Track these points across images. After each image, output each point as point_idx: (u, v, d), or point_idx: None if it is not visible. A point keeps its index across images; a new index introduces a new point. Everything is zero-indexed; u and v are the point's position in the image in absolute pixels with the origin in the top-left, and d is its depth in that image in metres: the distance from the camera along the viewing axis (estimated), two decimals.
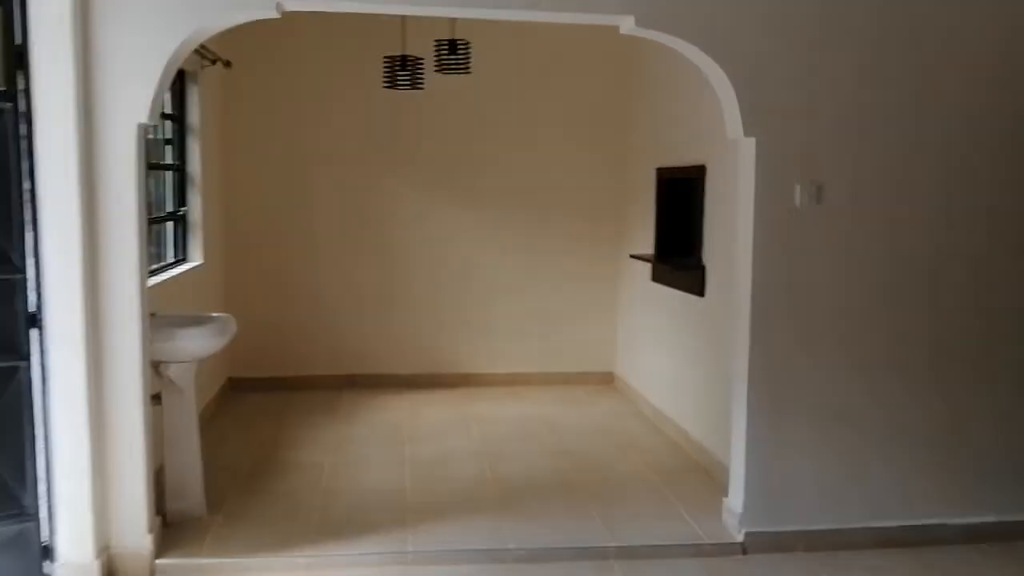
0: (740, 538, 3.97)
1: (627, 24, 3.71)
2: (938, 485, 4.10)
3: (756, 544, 3.95)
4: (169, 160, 5.44)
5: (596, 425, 5.91)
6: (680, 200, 5.53)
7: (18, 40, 3.23)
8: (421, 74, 5.13)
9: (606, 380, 6.99)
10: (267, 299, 6.44)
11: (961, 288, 4.05)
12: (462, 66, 5.14)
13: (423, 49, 5.17)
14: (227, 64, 5.72)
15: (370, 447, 5.33)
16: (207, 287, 5.83)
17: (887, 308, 3.99)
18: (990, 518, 4.13)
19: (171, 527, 3.92)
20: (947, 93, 3.95)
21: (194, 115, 5.59)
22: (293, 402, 6.24)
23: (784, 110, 3.82)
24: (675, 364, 5.66)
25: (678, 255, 5.58)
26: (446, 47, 5.08)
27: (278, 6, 3.48)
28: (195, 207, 5.66)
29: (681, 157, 5.50)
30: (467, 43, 5.12)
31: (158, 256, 5.28)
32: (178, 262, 5.50)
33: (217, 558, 3.73)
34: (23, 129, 3.26)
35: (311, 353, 6.65)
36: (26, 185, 3.28)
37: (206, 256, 5.76)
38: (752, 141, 3.84)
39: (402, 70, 5.08)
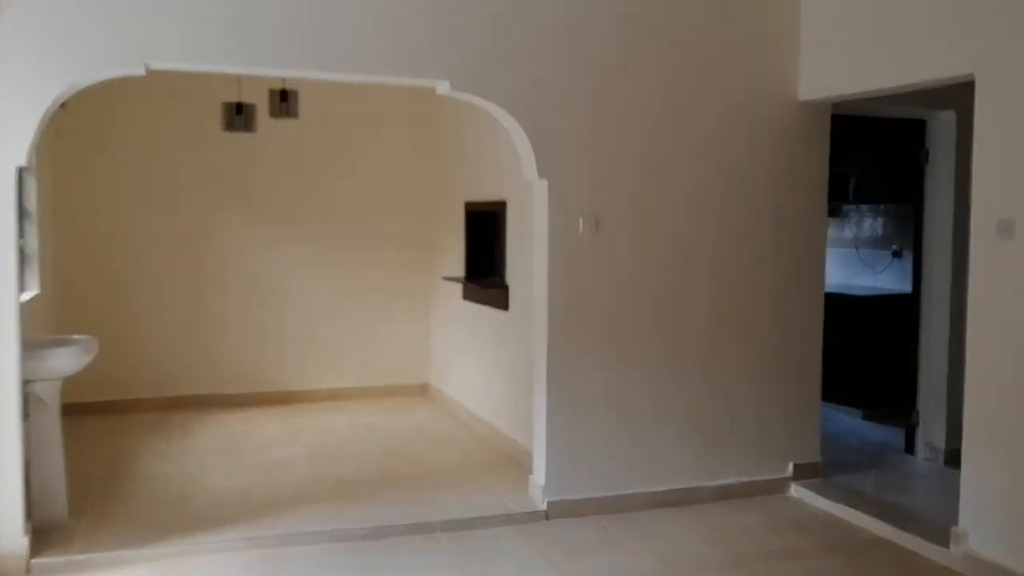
0: (543, 506, 4.79)
1: (443, 87, 4.52)
2: (696, 456, 5.09)
3: (557, 510, 4.78)
4: None
5: (416, 429, 6.64)
6: (485, 229, 6.42)
7: None
8: (255, 119, 5.73)
9: (421, 391, 7.74)
10: (96, 326, 6.60)
11: (703, 294, 5.05)
12: (292, 112, 5.78)
13: (257, 96, 5.77)
14: (62, 105, 6.01)
15: (211, 458, 5.79)
16: (42, 315, 6.06)
17: (652, 312, 4.96)
18: (734, 480, 5.18)
19: (39, 533, 4.24)
20: (697, 145, 4.98)
21: (31, 152, 5.85)
22: (126, 424, 6.57)
23: (570, 158, 4.74)
24: (484, 370, 6.50)
25: (484, 276, 6.46)
26: (278, 95, 5.71)
27: (146, 66, 4.04)
28: (31, 240, 5.91)
29: (485, 193, 6.39)
30: (296, 92, 5.78)
31: None
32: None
33: (88, 554, 4.13)
34: None
35: (139, 377, 6.98)
36: None
37: (42, 286, 6.01)
38: (545, 182, 4.73)
39: (238, 115, 5.66)
